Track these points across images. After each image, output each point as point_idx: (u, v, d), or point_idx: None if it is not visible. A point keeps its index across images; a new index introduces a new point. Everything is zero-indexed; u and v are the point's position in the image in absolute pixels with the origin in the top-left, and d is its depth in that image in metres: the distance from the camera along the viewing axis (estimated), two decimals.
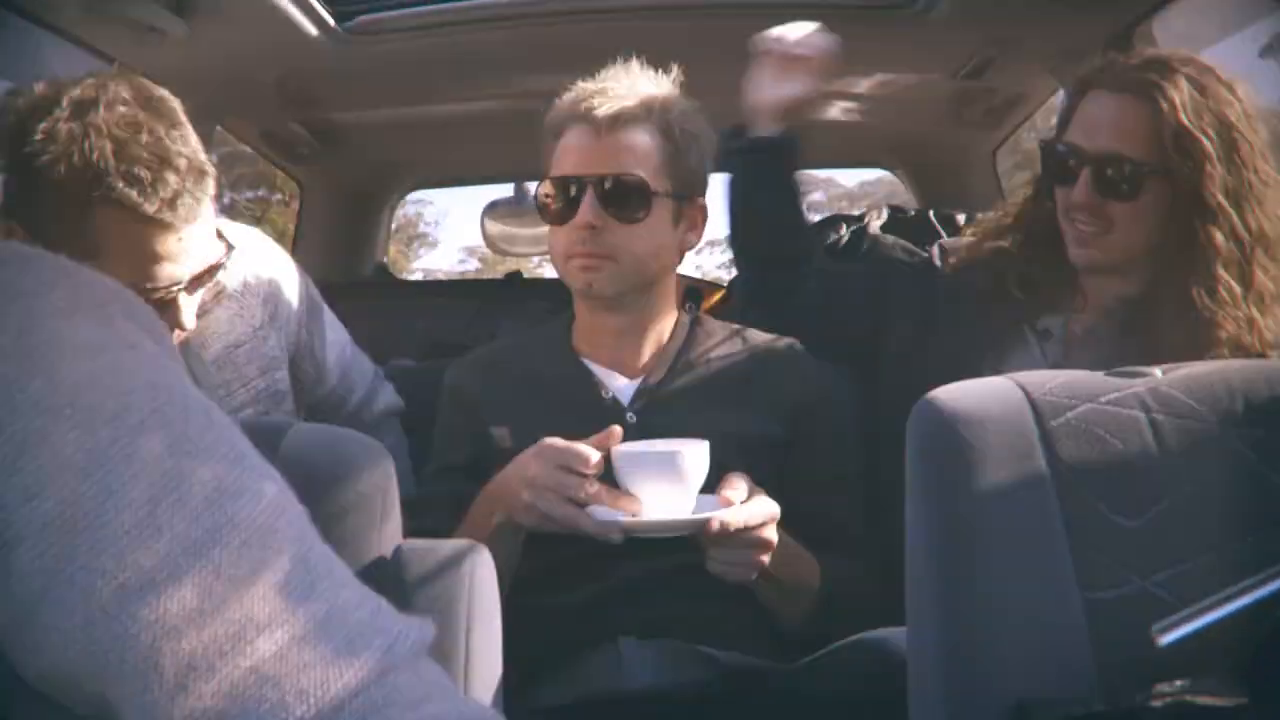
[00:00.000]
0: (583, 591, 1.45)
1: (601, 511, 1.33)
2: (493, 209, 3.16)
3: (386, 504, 1.04)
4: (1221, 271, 1.46)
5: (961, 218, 2.24)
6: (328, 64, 2.11)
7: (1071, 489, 0.96)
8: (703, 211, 1.63)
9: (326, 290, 1.84)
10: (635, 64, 1.57)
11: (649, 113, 1.54)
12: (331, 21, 2.01)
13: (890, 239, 2.16)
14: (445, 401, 1.64)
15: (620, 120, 1.52)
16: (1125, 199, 1.48)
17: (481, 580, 1.03)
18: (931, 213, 2.27)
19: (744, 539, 1.31)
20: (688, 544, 1.36)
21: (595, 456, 1.32)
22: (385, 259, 3.42)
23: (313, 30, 1.98)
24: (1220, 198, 1.45)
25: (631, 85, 1.55)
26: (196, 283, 1.41)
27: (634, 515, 1.33)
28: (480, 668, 1.01)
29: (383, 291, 3.11)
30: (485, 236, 3.23)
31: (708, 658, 1.38)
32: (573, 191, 1.51)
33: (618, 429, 1.35)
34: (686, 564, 1.42)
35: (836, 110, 2.70)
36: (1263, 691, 0.87)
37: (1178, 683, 0.86)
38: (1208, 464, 0.96)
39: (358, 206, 3.18)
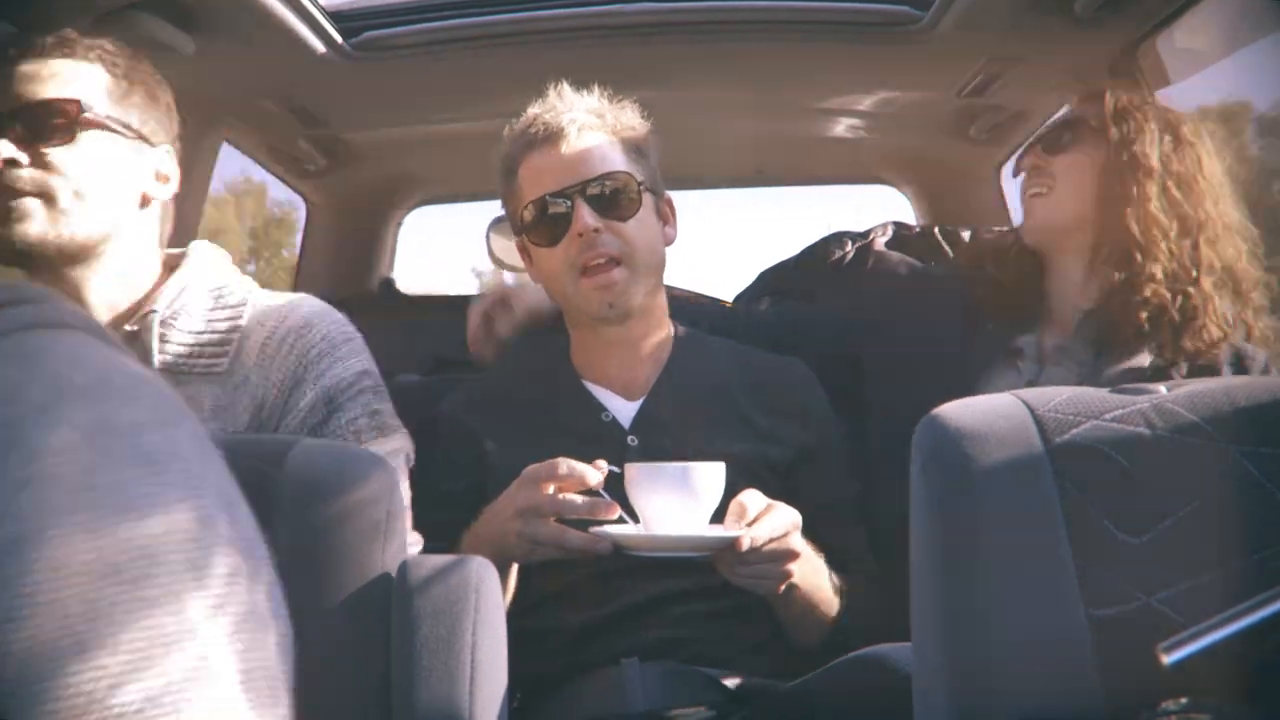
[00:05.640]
0: (586, 614, 1.45)
1: (608, 530, 1.31)
2: (498, 224, 3.16)
3: (391, 518, 1.04)
4: (1163, 245, 1.57)
5: (967, 234, 2.24)
6: (335, 80, 2.11)
7: (1076, 505, 0.96)
8: (672, 206, 1.64)
9: (331, 305, 1.83)
10: (566, 87, 1.59)
11: (602, 120, 1.56)
12: (339, 38, 2.02)
13: (895, 255, 2.16)
14: (444, 433, 1.63)
15: (581, 129, 1.53)
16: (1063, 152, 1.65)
17: (487, 595, 1.03)
18: (937, 229, 2.27)
19: (771, 551, 1.30)
20: (700, 564, 1.34)
21: (579, 470, 1.30)
22: (391, 274, 3.42)
23: (320, 47, 1.99)
24: (1155, 160, 1.58)
25: (573, 102, 1.57)
26: None
27: (637, 530, 1.31)
28: (485, 683, 1.01)
29: (388, 306, 3.10)
30: (490, 252, 3.22)
31: (709, 679, 1.37)
32: (562, 206, 1.51)
33: (602, 463, 1.32)
34: (688, 587, 1.42)
35: (840, 127, 2.70)
36: (1267, 710, 0.87)
37: (1182, 700, 0.86)
38: (1212, 481, 0.96)
39: (363, 222, 3.19)
